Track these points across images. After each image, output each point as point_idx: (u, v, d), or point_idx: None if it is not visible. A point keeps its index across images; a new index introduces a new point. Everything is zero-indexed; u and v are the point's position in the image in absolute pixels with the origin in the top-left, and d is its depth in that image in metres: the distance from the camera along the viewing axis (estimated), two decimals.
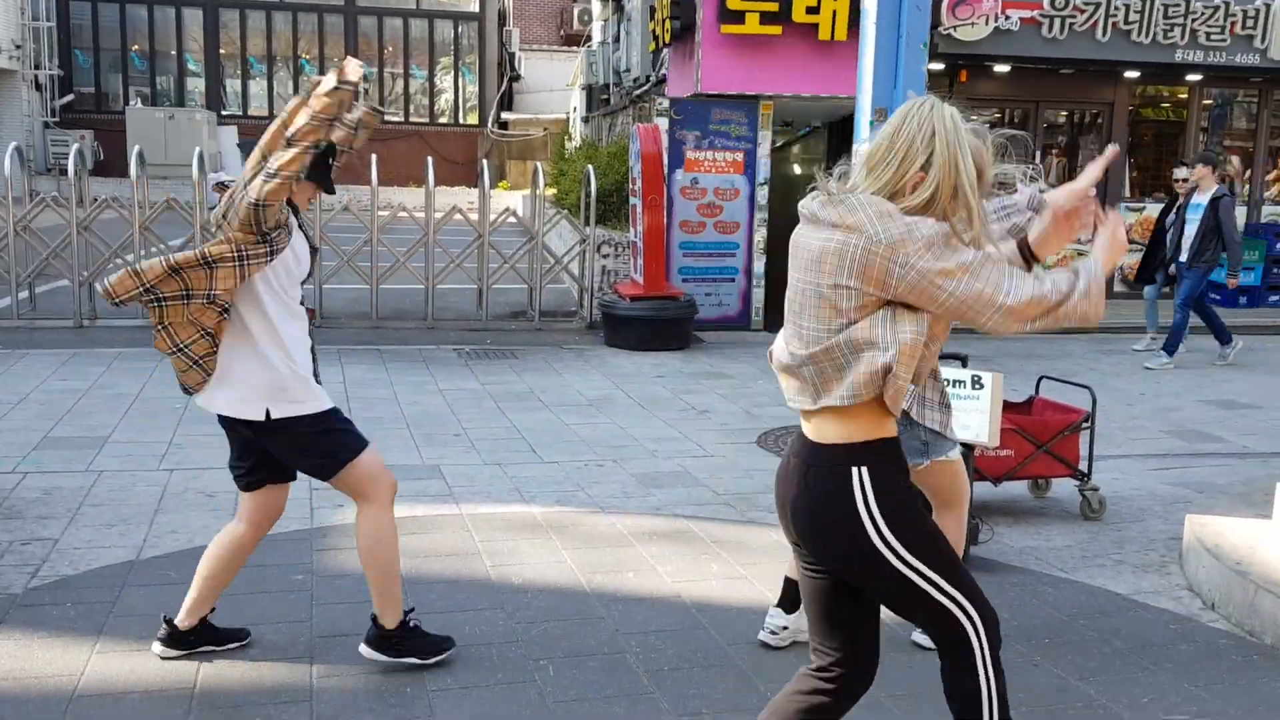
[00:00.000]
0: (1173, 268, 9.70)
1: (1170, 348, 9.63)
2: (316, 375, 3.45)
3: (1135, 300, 13.38)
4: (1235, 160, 13.90)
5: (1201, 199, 9.46)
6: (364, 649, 3.52)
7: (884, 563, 2.29)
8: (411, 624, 3.54)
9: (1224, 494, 5.46)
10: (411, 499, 5.28)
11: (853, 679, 2.47)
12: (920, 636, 3.88)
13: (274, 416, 3.29)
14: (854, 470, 2.27)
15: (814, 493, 2.32)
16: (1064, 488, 5.60)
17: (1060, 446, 5.24)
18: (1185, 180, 9.81)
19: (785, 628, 3.80)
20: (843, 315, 2.22)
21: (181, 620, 3.54)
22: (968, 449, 4.59)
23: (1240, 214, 13.73)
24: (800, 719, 2.47)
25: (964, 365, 4.76)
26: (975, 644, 2.37)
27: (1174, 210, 9.85)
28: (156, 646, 3.56)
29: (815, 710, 2.47)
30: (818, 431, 2.33)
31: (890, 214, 2.18)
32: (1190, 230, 9.47)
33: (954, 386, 4.62)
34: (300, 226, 3.46)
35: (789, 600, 3.78)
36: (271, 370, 3.28)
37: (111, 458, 5.81)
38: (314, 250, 3.54)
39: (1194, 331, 9.93)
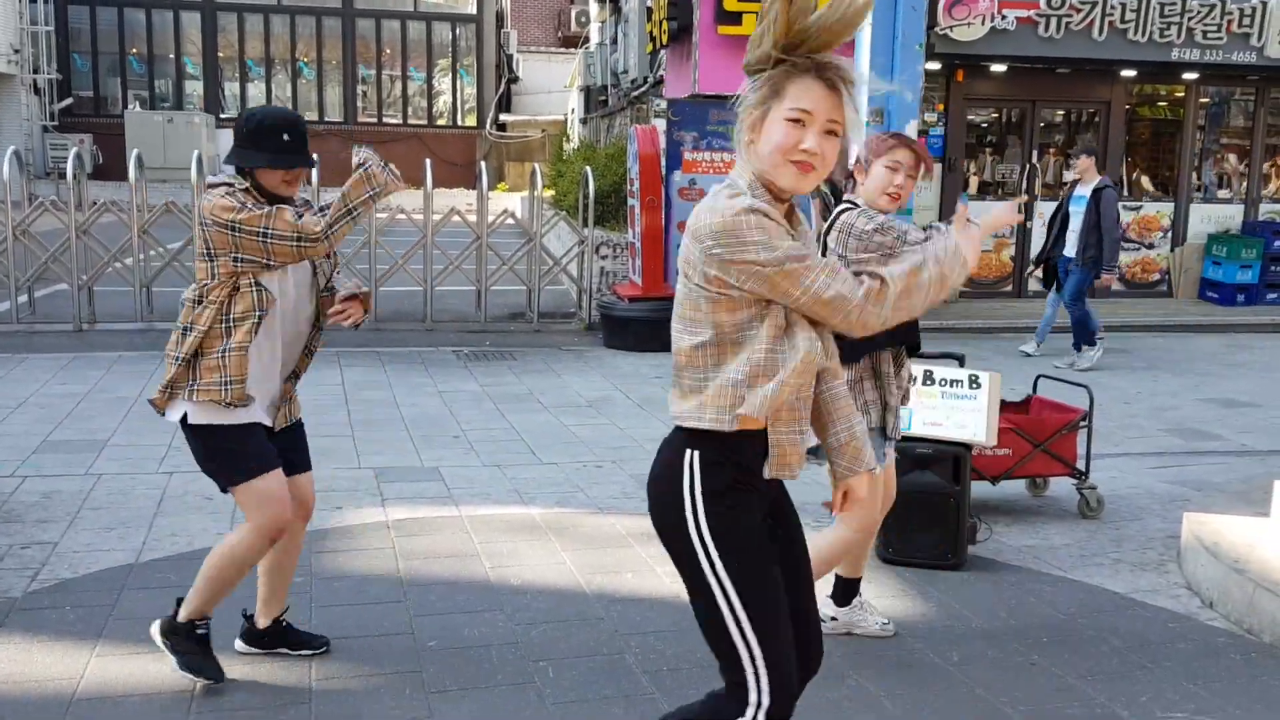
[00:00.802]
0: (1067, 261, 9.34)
1: (1086, 341, 9.34)
2: (288, 383, 3.41)
3: (1136, 297, 13.44)
4: (1232, 158, 13.92)
5: (1085, 191, 9.17)
6: (153, 627, 3.44)
7: (696, 562, 2.20)
8: (200, 631, 3.42)
9: (1222, 492, 5.46)
10: (411, 501, 5.29)
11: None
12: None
13: (190, 421, 3.25)
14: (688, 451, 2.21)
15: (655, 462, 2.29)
16: (1062, 486, 5.60)
17: (1058, 445, 5.24)
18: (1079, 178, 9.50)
19: (834, 619, 3.88)
20: None
21: (257, 619, 3.60)
22: (965, 448, 4.61)
23: (1237, 212, 13.79)
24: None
25: (961, 365, 4.77)
26: (751, 707, 2.18)
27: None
28: (237, 643, 3.63)
29: None
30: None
31: None
32: (1075, 224, 9.19)
33: (951, 386, 4.63)
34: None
35: (840, 592, 3.90)
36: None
37: (111, 461, 5.81)
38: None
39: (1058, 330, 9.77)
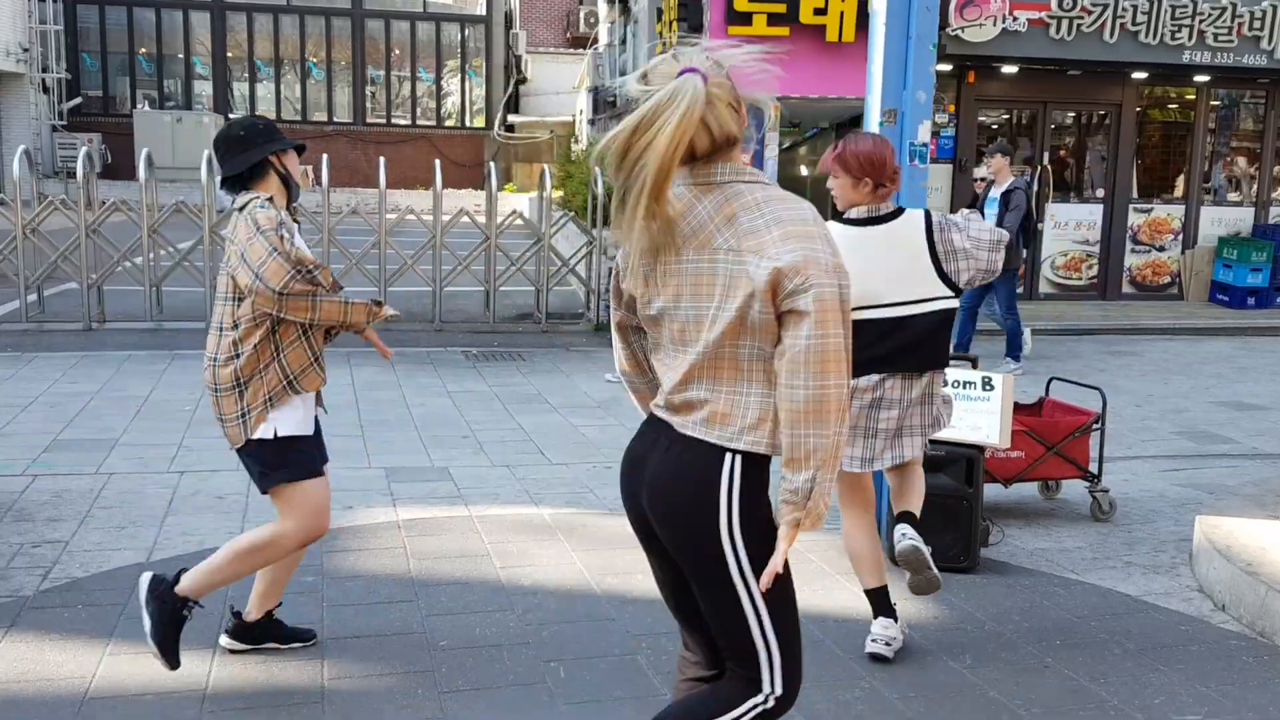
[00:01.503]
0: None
1: (1014, 353, 9.17)
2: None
3: (1146, 300, 13.41)
4: (1242, 161, 13.88)
5: (997, 193, 8.92)
6: (144, 578, 3.38)
7: (725, 566, 2.18)
8: (185, 614, 3.34)
9: (1234, 495, 5.44)
10: (421, 501, 5.29)
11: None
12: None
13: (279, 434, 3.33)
14: (728, 456, 2.17)
15: (681, 470, 2.23)
16: (1074, 490, 5.59)
17: (1070, 448, 5.23)
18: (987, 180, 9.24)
19: (896, 637, 3.75)
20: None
21: (249, 613, 3.58)
22: (978, 450, 4.60)
23: (1248, 215, 13.74)
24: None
25: (975, 367, 4.76)
26: (760, 696, 2.24)
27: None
28: (224, 639, 3.61)
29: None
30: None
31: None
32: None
33: (964, 388, 4.62)
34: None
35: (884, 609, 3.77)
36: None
37: (121, 460, 5.82)
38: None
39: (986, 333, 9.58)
